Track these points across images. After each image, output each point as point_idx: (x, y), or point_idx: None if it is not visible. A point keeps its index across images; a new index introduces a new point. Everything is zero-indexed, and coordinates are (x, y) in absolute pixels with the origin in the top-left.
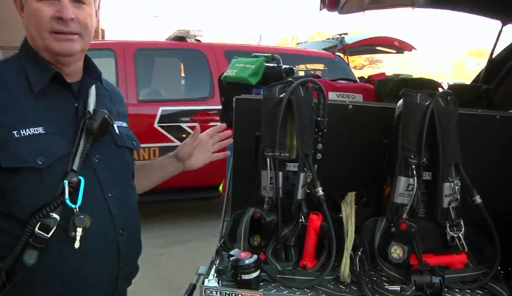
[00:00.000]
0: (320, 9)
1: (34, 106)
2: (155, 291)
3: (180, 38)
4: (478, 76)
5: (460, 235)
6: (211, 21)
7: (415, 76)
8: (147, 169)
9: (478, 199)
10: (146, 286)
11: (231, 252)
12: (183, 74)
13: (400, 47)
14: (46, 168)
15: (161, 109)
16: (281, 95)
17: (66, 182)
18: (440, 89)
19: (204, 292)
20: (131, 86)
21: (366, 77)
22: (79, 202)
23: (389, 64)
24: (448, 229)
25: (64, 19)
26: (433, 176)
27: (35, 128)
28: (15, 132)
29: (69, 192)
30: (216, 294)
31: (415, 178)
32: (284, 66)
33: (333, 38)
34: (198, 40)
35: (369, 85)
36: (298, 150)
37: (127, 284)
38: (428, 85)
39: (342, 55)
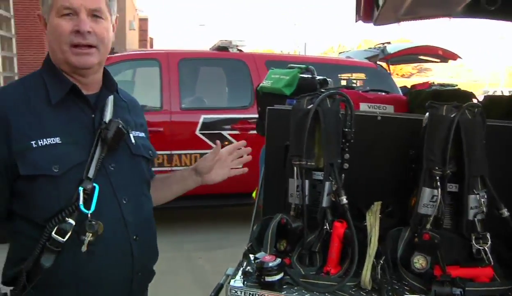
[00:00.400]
0: (356, 21)
1: (52, 118)
2: (191, 294)
3: (223, 48)
4: None
5: (486, 248)
6: (257, 30)
7: (465, 85)
8: (168, 181)
9: (505, 212)
10: (182, 289)
11: (257, 255)
12: (225, 83)
13: (444, 56)
14: (62, 175)
15: (202, 117)
16: (308, 107)
17: (81, 188)
18: (475, 100)
19: (230, 292)
20: (174, 94)
21: (409, 86)
22: (93, 208)
23: (439, 73)
24: (473, 241)
25: (81, 32)
26: (460, 187)
27: (52, 139)
28: (33, 142)
29: (84, 198)
30: (241, 293)
31: (439, 189)
32: (318, 77)
33: (375, 48)
34: (240, 50)
35: (401, 96)
36: (324, 159)
37: (143, 289)
38: (461, 97)
39: (384, 65)
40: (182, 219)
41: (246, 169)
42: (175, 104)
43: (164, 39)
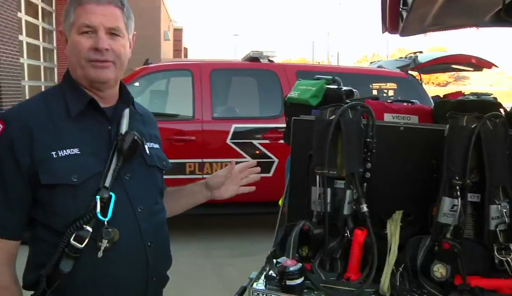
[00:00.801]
0: (383, 32)
1: (71, 130)
2: None
3: (254, 58)
4: None
5: (509, 259)
6: (291, 39)
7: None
8: (178, 194)
9: None
10: (211, 294)
11: (279, 260)
12: (256, 93)
13: (478, 64)
14: (80, 184)
15: (234, 126)
16: (331, 117)
17: (98, 197)
18: (502, 111)
19: (252, 294)
20: (206, 104)
21: (441, 96)
22: (109, 215)
23: (477, 81)
24: (496, 252)
25: (100, 49)
26: (481, 198)
27: (71, 150)
28: (53, 153)
29: (101, 206)
30: None
31: (459, 199)
32: (344, 88)
33: (406, 57)
34: (271, 61)
35: (426, 107)
36: (345, 168)
37: (157, 294)
38: (487, 107)
39: (416, 74)
40: (211, 226)
41: (253, 188)
42: (207, 113)
43: (199, 49)
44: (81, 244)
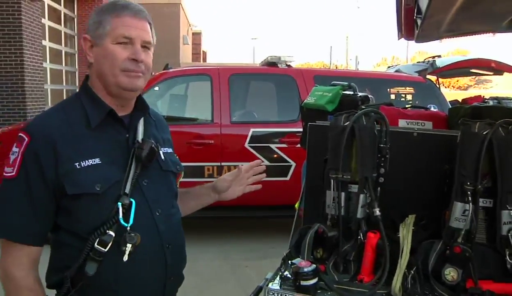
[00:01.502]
0: (398, 38)
1: (92, 140)
2: None
3: (272, 63)
4: None
5: None
6: (309, 42)
7: None
8: (186, 196)
9: None
10: (226, 294)
11: (294, 261)
12: (273, 98)
13: (498, 68)
14: (103, 193)
15: (251, 131)
16: (345, 124)
17: (120, 204)
18: None
19: (267, 294)
20: (224, 108)
21: (460, 100)
22: (131, 221)
23: (499, 84)
24: (508, 257)
25: (138, 60)
26: (493, 203)
27: (93, 160)
28: (77, 164)
29: (122, 212)
30: (277, 295)
31: (471, 204)
32: (359, 94)
33: (424, 62)
34: (289, 65)
35: (441, 113)
36: (359, 173)
37: (173, 293)
38: (503, 113)
39: (434, 78)
40: (229, 229)
41: (259, 186)
42: (225, 117)
43: (217, 53)
44: (105, 248)
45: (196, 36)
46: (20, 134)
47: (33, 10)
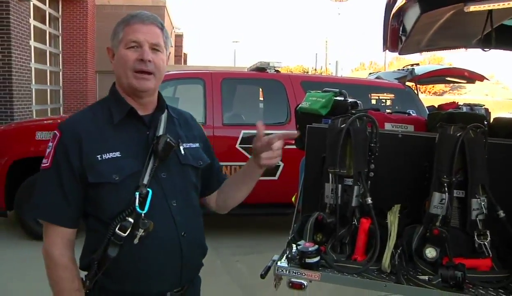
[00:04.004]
0: (384, 50)
1: (114, 135)
2: (229, 291)
3: (261, 69)
4: None
5: (486, 243)
6: (289, 46)
7: (499, 103)
8: (235, 186)
9: (501, 213)
10: (223, 288)
11: (299, 242)
12: (263, 102)
13: (471, 77)
14: (120, 182)
15: (242, 132)
16: (342, 126)
17: (137, 193)
18: (486, 122)
19: (277, 270)
20: (217, 111)
21: (436, 105)
22: (146, 208)
23: (472, 90)
24: (476, 237)
25: (144, 60)
26: (465, 193)
27: (113, 153)
28: (98, 156)
29: (139, 201)
30: (286, 271)
31: (447, 194)
32: (349, 100)
33: (403, 69)
34: (278, 71)
35: (421, 118)
36: (353, 168)
37: (192, 279)
38: (473, 119)
39: (413, 85)
40: (219, 226)
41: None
42: (217, 120)
43: (198, 55)
44: (124, 233)
45: (178, 38)
46: (55, 131)
47: (21, 10)
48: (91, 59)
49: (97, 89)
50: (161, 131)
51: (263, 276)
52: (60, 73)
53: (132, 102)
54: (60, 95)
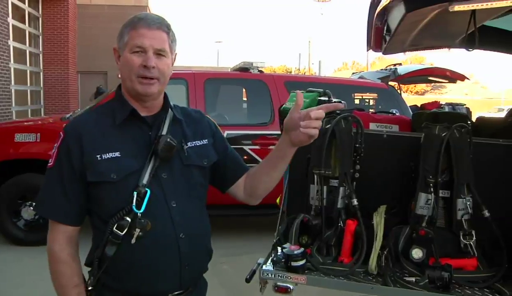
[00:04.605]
0: (367, 50)
1: (115, 136)
2: (215, 294)
3: (245, 69)
4: None
5: (472, 243)
6: (273, 46)
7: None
8: (266, 170)
9: (486, 213)
10: (209, 290)
11: (284, 245)
12: (246, 102)
13: (452, 77)
14: (118, 181)
15: (226, 133)
16: (326, 127)
17: (135, 192)
18: (469, 122)
19: (262, 274)
20: None
21: (419, 105)
22: (143, 208)
23: (453, 90)
24: (461, 237)
25: (148, 66)
26: (450, 193)
27: (113, 153)
28: (98, 156)
29: (137, 200)
30: (271, 275)
31: (433, 194)
32: (334, 100)
33: (386, 69)
34: (261, 71)
35: (405, 118)
36: (339, 169)
37: (194, 281)
38: (457, 118)
39: (395, 84)
40: None
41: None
42: None
43: (181, 56)
44: (122, 232)
45: None
46: (60, 132)
47: None
48: (73, 59)
49: (79, 90)
50: (164, 131)
51: (248, 280)
52: (41, 73)
53: (136, 104)
54: (41, 96)
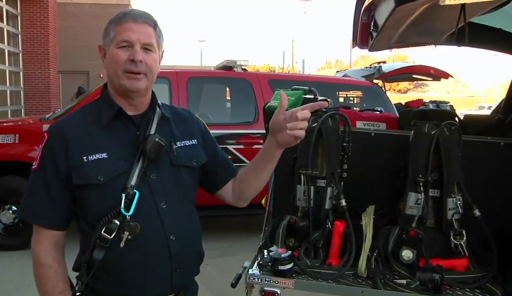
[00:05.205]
0: (353, 47)
1: (102, 136)
2: (200, 294)
3: (228, 67)
4: (498, 106)
5: (462, 243)
6: (256, 45)
7: (460, 100)
8: (252, 172)
9: (477, 212)
10: None
11: (271, 249)
12: (230, 101)
13: (436, 75)
14: (105, 183)
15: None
16: (313, 125)
17: (123, 194)
18: (456, 119)
19: (248, 279)
20: None
21: (403, 103)
22: (131, 211)
23: (435, 88)
24: (452, 237)
25: (135, 60)
26: (440, 192)
27: (99, 154)
28: (84, 157)
29: (126, 203)
30: (258, 280)
31: (423, 194)
32: (319, 98)
33: (371, 67)
34: (245, 69)
35: (393, 115)
36: (326, 169)
37: (185, 284)
38: (444, 116)
39: (380, 82)
40: None
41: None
42: None
43: (164, 55)
44: (110, 235)
45: None
46: (45, 134)
47: None
48: (53, 58)
49: (60, 89)
50: (152, 131)
51: (234, 285)
52: (21, 73)
53: (123, 102)
54: (21, 96)
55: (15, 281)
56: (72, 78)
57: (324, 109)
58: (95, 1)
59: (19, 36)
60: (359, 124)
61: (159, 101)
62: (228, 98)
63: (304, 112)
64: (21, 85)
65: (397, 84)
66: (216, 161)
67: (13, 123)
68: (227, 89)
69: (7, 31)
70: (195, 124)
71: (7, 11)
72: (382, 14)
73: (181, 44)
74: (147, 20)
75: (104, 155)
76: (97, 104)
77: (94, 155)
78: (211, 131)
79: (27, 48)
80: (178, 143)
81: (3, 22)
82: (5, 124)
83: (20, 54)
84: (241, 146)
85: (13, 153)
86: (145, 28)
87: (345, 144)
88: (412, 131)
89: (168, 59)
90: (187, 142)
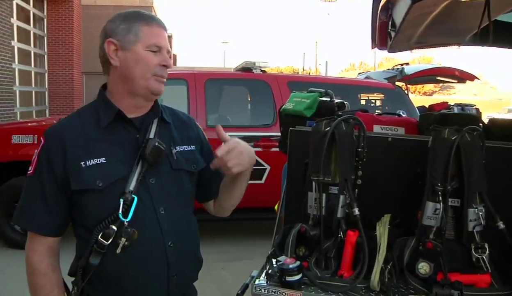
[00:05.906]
0: (372, 48)
1: (101, 141)
2: None
3: (247, 69)
4: None
5: (484, 257)
6: (279, 47)
7: (488, 103)
8: (227, 188)
9: (501, 225)
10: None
11: (279, 258)
12: (249, 103)
13: (461, 77)
14: (104, 189)
15: (227, 134)
16: (326, 129)
17: (121, 200)
18: (481, 124)
19: (255, 289)
20: (201, 112)
21: (427, 106)
22: (129, 216)
23: (462, 90)
24: (473, 251)
25: (168, 66)
26: (461, 202)
27: (98, 159)
28: (82, 163)
29: (124, 208)
30: (264, 291)
31: (441, 203)
32: (336, 101)
33: (393, 69)
34: (264, 71)
35: (412, 119)
36: (339, 175)
37: (182, 291)
38: (467, 120)
39: (403, 85)
40: (204, 232)
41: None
42: (201, 121)
43: (188, 56)
44: (107, 241)
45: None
46: (41, 138)
47: (2, 10)
48: (78, 60)
49: (84, 90)
50: (152, 135)
51: (239, 295)
52: (46, 74)
53: (129, 103)
54: (46, 97)
55: None
56: (95, 79)
57: (340, 113)
58: (119, 3)
59: (45, 38)
60: (376, 128)
61: (160, 104)
62: (247, 100)
63: (221, 148)
64: (46, 86)
65: (422, 87)
66: (213, 175)
67: (36, 124)
68: (246, 91)
69: (34, 33)
70: (195, 131)
71: (34, 14)
72: (399, 12)
73: (204, 46)
74: (165, 26)
75: (102, 160)
76: (94, 106)
77: (92, 160)
78: (229, 133)
79: (52, 50)
80: (178, 148)
81: (30, 24)
82: (25, 124)
83: (46, 56)
84: (259, 149)
85: (32, 153)
86: (166, 35)
87: (359, 149)
88: (431, 136)
89: (191, 61)
90: (186, 148)
